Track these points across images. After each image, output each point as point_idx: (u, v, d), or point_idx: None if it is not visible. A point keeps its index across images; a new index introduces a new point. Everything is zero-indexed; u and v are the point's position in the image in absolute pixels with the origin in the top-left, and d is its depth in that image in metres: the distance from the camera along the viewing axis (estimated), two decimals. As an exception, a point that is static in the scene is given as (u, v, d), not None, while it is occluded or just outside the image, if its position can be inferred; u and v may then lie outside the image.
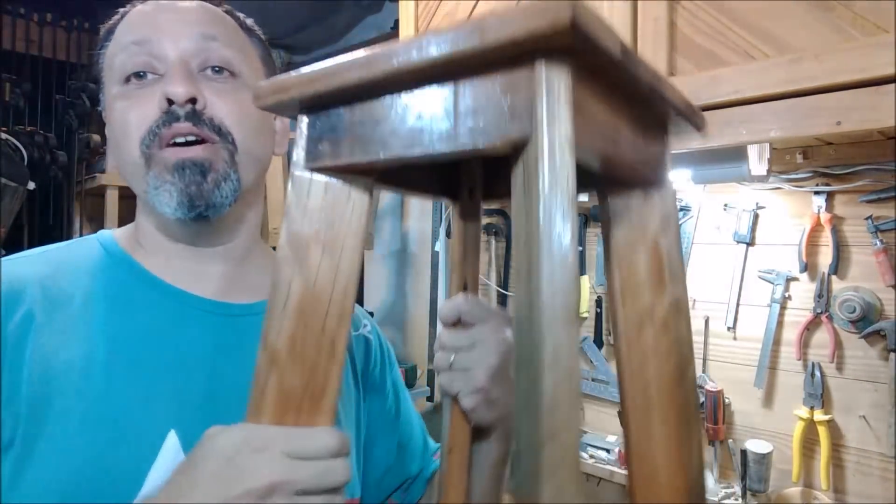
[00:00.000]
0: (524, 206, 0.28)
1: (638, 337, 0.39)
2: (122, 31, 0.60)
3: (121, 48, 0.59)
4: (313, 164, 0.38)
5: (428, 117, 0.32)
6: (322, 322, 0.40)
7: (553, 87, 0.27)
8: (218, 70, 0.59)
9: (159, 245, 0.62)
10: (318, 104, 0.37)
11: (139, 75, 0.58)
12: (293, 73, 0.36)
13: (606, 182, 0.40)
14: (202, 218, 0.56)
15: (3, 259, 0.58)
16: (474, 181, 0.53)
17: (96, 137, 2.49)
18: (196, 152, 0.56)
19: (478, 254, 0.55)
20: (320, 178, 0.39)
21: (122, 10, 0.62)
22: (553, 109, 0.27)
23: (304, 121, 0.38)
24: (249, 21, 0.67)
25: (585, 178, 0.35)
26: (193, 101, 0.56)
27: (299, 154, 0.39)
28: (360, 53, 0.32)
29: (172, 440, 0.53)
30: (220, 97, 0.58)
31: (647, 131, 0.38)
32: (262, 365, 0.40)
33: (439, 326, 0.58)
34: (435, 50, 0.29)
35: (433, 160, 0.32)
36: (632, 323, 0.39)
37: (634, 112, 0.35)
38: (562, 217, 0.27)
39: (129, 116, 0.57)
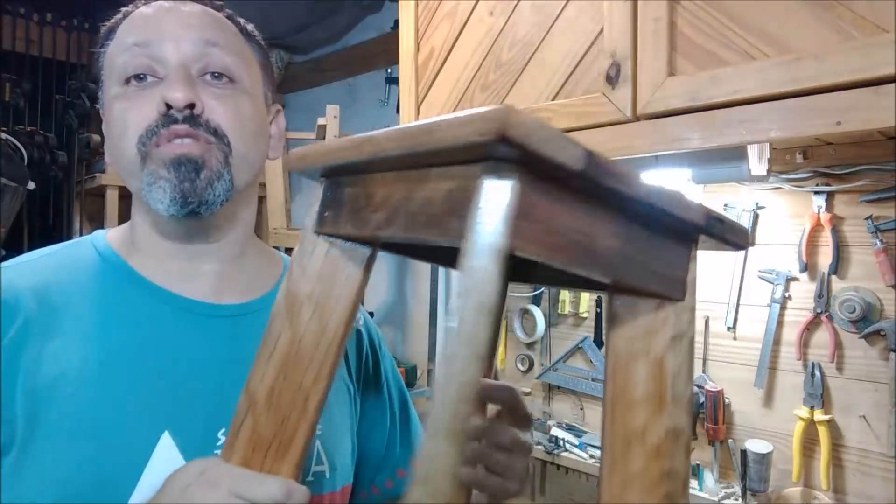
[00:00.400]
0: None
1: (623, 458, 0.35)
2: (123, 31, 0.61)
3: (122, 49, 0.59)
4: (320, 229, 0.40)
5: (397, 202, 0.32)
6: (300, 379, 0.41)
7: (492, 194, 0.25)
8: (217, 76, 0.59)
9: (153, 243, 0.62)
10: (332, 174, 0.39)
11: (139, 77, 0.58)
12: (314, 145, 0.38)
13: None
14: (194, 215, 0.57)
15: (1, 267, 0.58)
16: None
17: (96, 137, 2.50)
18: (191, 147, 0.56)
19: (497, 338, 0.55)
20: (324, 243, 0.41)
21: (124, 9, 0.62)
22: (487, 217, 0.25)
23: (320, 187, 0.41)
24: (250, 27, 0.67)
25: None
26: (192, 106, 0.56)
27: (312, 217, 0.41)
28: (358, 136, 0.33)
29: (167, 441, 0.54)
30: (218, 102, 0.58)
31: (659, 239, 0.34)
32: (242, 406, 0.42)
33: None
34: (398, 144, 0.29)
35: (406, 241, 0.33)
36: (618, 441, 0.35)
37: (633, 219, 0.32)
38: (469, 333, 0.25)
39: (127, 117, 0.57)
